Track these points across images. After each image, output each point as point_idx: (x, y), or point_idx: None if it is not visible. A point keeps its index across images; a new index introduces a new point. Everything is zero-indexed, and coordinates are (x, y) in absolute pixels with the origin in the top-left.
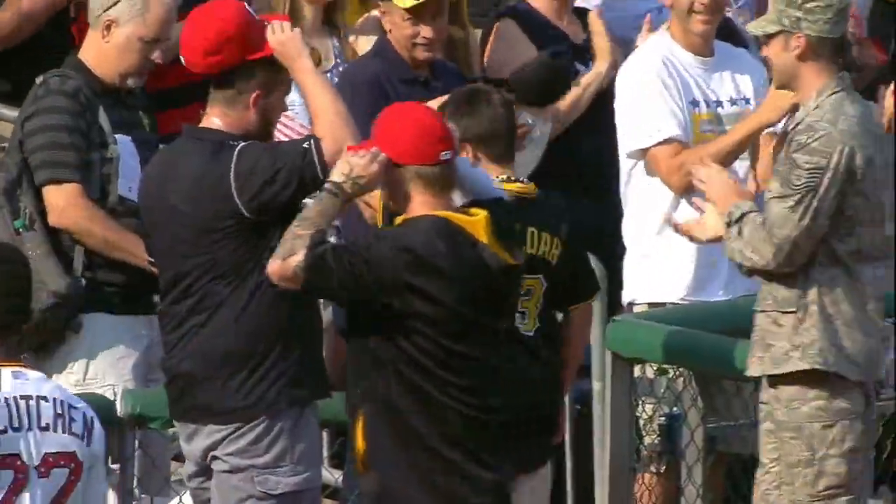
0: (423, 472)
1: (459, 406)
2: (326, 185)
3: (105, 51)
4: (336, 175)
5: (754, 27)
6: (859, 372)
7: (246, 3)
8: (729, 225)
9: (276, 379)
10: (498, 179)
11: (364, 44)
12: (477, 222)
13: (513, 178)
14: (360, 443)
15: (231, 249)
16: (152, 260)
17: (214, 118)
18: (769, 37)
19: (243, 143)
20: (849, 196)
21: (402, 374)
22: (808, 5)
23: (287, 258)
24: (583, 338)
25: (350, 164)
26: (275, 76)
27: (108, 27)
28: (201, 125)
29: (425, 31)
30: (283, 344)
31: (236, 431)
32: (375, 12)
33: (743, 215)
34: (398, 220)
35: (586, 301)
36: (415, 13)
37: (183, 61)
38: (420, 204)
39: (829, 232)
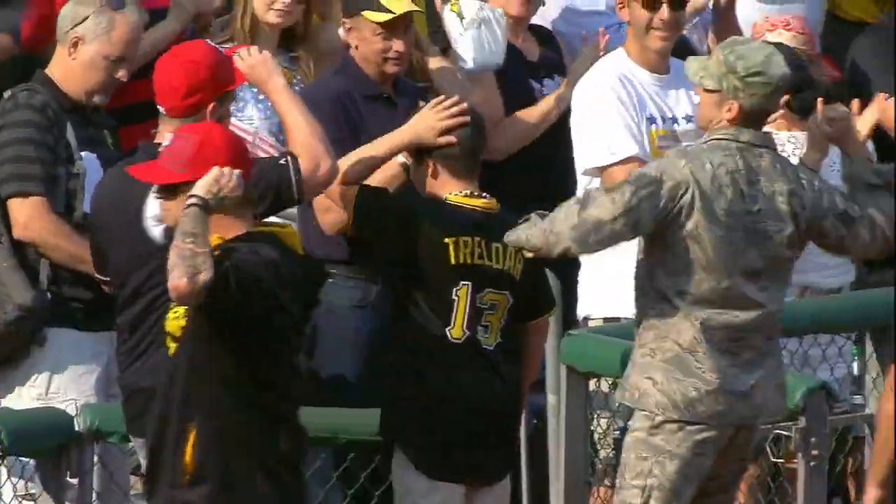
0: (265, 492)
1: (291, 424)
2: (194, 200)
3: (72, 67)
4: (202, 191)
5: (694, 73)
6: (675, 411)
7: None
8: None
9: None
10: (462, 194)
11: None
12: (293, 234)
13: (476, 194)
14: (188, 457)
15: None
16: (106, 279)
17: (168, 134)
18: (710, 91)
19: None
20: (673, 228)
21: (247, 393)
22: (750, 80)
23: (194, 276)
24: (540, 352)
25: (220, 184)
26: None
27: (74, 44)
28: (157, 142)
29: (397, 45)
30: None
31: None
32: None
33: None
34: (217, 237)
35: (545, 315)
36: (388, 27)
37: (162, 109)
38: (239, 220)
39: (655, 264)
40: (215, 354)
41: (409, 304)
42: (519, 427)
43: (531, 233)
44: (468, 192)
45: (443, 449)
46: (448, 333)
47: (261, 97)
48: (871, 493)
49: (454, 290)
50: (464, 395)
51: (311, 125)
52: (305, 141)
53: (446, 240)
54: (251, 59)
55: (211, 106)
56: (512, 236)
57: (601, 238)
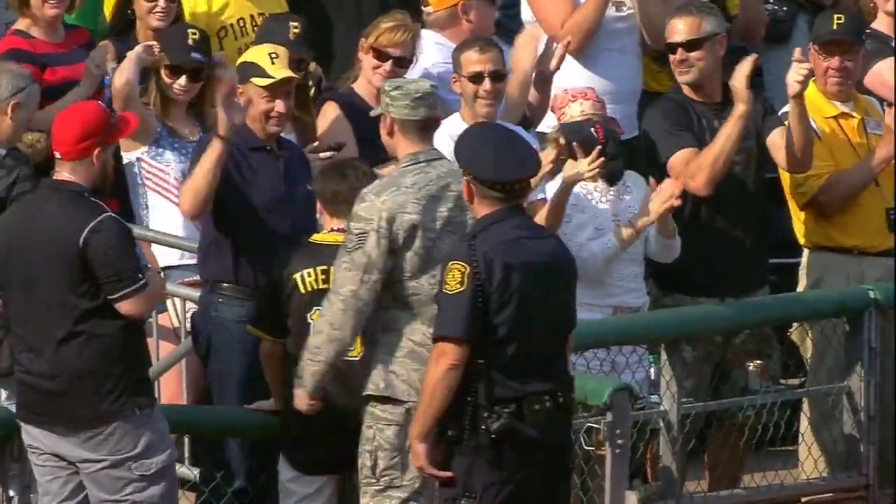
0: None
1: None
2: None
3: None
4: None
5: (373, 112)
6: (409, 392)
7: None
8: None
9: (124, 391)
10: (326, 232)
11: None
12: None
13: (337, 230)
14: None
15: (81, 287)
16: None
17: (65, 173)
18: (380, 116)
19: (110, 214)
20: (402, 252)
21: None
22: (393, 93)
23: None
24: None
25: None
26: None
27: (14, 109)
28: (55, 178)
29: (279, 106)
30: (125, 362)
31: (99, 434)
32: None
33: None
34: None
35: None
36: (271, 90)
37: (58, 154)
38: None
39: (387, 283)
40: None
41: (290, 331)
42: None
43: (321, 359)
44: (333, 229)
45: (308, 446)
46: None
47: (176, 145)
48: (417, 447)
49: (308, 315)
50: (326, 401)
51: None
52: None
53: (294, 276)
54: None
55: (97, 151)
56: (309, 386)
57: (365, 298)
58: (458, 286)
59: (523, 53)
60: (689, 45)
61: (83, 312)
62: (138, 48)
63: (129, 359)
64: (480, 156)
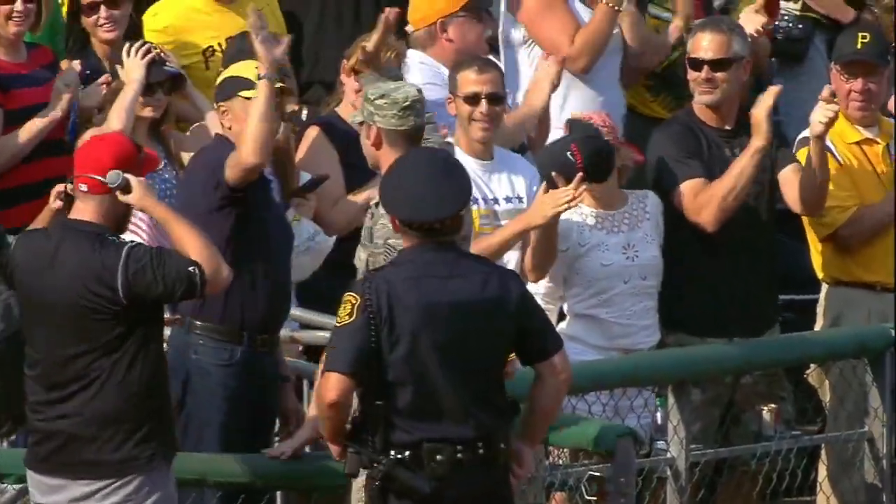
0: None
1: None
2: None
3: None
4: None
5: (352, 118)
6: None
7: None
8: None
9: (151, 438)
10: None
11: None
12: None
13: None
14: None
15: (109, 330)
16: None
17: (88, 210)
18: (360, 124)
19: (132, 244)
20: None
21: None
22: (378, 102)
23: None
24: None
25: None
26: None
27: None
28: (73, 217)
29: None
30: (153, 407)
31: (113, 483)
32: (205, 122)
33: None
34: None
35: None
36: None
37: (85, 188)
38: None
39: None
40: None
41: None
42: None
43: None
44: None
45: None
46: None
47: None
48: (333, 450)
49: None
50: None
51: (200, 238)
52: (199, 252)
53: None
54: (138, 192)
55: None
56: None
57: None
58: (346, 318)
59: (539, 90)
60: (716, 65)
61: (114, 356)
62: (133, 88)
63: (163, 403)
64: (398, 193)
